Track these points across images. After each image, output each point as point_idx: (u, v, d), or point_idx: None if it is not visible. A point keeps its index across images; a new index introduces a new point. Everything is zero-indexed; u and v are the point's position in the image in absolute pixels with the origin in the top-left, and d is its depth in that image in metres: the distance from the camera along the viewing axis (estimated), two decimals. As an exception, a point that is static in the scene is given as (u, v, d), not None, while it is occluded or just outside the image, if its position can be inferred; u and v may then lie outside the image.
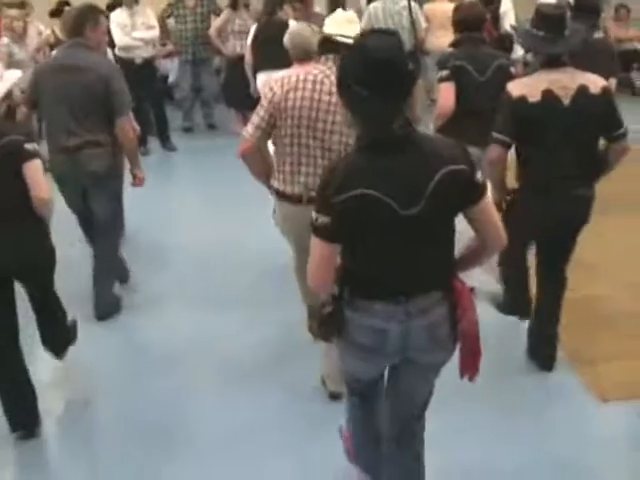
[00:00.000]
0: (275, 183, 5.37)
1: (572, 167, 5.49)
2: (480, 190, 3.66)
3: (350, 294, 3.75)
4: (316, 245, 3.64)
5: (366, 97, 3.41)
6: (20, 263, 5.16)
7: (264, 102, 5.21)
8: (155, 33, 12.06)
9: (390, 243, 3.60)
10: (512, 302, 6.27)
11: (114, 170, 6.74)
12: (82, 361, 6.11)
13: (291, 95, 5.13)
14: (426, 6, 12.44)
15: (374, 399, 4.29)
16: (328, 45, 5.23)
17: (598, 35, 8.16)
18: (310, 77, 5.18)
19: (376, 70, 3.39)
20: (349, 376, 4.23)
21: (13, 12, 10.55)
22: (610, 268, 7.45)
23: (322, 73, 5.19)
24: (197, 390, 5.85)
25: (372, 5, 11.66)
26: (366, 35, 3.62)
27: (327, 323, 3.84)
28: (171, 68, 14.52)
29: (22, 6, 11.25)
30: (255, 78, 11.09)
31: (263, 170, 5.44)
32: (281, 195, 5.34)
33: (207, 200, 10.25)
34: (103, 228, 6.85)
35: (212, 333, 6.61)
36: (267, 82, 5.50)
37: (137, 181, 7.01)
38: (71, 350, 5.92)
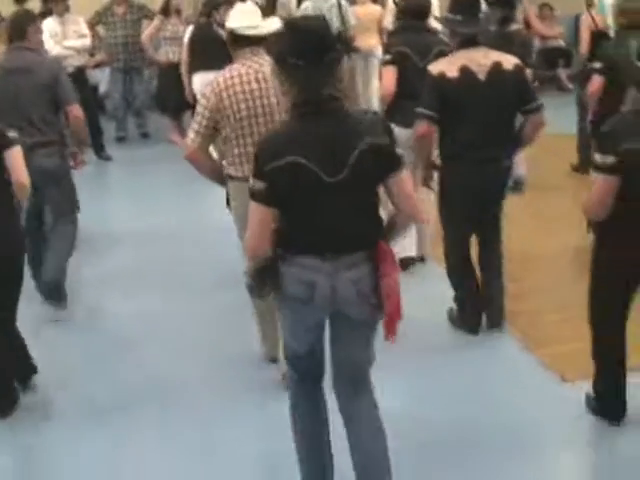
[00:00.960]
0: (227, 169, 5.65)
1: (489, 137, 6.00)
2: (398, 162, 4.05)
3: (283, 251, 4.05)
4: (254, 209, 4.01)
5: (300, 66, 3.85)
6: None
7: (200, 109, 5.52)
8: (86, 41, 11.99)
9: (318, 206, 3.98)
10: (461, 315, 6.51)
11: (65, 165, 7.03)
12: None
13: (224, 94, 5.43)
14: (351, 9, 12.55)
15: (315, 381, 4.41)
16: (240, 39, 5.54)
17: (514, 27, 8.58)
18: (235, 72, 5.47)
19: (307, 42, 3.88)
20: (289, 347, 4.39)
21: None
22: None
23: (244, 66, 5.48)
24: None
25: (303, 5, 12.01)
26: (297, 18, 4.66)
27: (262, 277, 4.11)
28: (101, 78, 14.41)
29: None
30: (190, 80, 11.03)
31: (210, 169, 5.78)
32: (232, 178, 5.62)
33: (144, 203, 10.32)
34: (62, 220, 7.03)
35: (157, 315, 6.98)
36: (203, 83, 5.70)
37: (76, 163, 7.24)
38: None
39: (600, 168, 4.77)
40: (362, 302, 4.09)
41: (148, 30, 12.70)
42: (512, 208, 6.80)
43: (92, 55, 13.47)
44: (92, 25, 12.87)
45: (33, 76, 6.66)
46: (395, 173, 4.04)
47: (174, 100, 12.37)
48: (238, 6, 5.82)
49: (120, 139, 13.35)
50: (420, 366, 5.98)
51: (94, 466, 5.11)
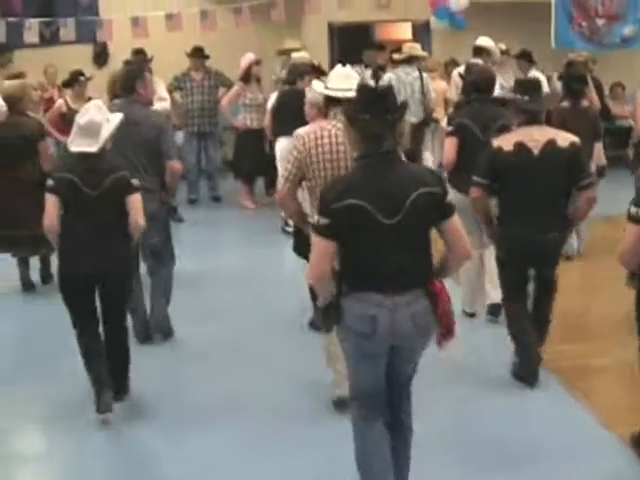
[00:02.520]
0: (310, 219, 5.93)
1: (538, 209, 6.40)
2: (450, 209, 4.54)
3: (346, 287, 4.51)
4: (316, 242, 4.50)
5: (366, 120, 4.40)
6: (109, 270, 6.05)
7: (291, 159, 5.98)
8: (166, 105, 12.20)
9: (377, 246, 4.43)
10: (521, 369, 6.70)
11: (162, 209, 7.44)
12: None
13: (313, 152, 5.85)
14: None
15: (378, 415, 4.70)
16: (332, 101, 5.93)
17: (583, 104, 8.78)
18: (325, 132, 5.86)
19: (374, 101, 4.43)
20: (353, 382, 4.76)
21: (32, 82, 10.69)
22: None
23: (334, 127, 5.85)
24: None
25: (387, 75, 12.25)
26: (368, 82, 5.30)
27: (327, 313, 4.62)
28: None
29: (19, 77, 11.40)
30: (273, 143, 11.25)
31: (295, 212, 6.27)
32: (313, 227, 5.81)
33: (216, 257, 10.68)
34: (159, 259, 7.55)
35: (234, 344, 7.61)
36: (285, 149, 5.97)
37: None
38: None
39: (634, 219, 5.04)
40: (417, 334, 4.54)
41: (228, 96, 12.96)
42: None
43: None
44: (170, 91, 13.14)
45: (140, 128, 7.04)
46: (447, 218, 4.52)
47: (249, 165, 12.61)
48: (337, 68, 6.15)
49: (192, 201, 13.55)
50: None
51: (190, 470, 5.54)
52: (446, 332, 4.62)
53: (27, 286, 9.44)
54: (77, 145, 5.95)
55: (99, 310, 6.25)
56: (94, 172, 5.97)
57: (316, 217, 4.55)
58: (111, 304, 6.23)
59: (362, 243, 4.46)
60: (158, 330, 7.71)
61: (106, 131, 5.97)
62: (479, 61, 11.05)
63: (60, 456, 5.99)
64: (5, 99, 9.23)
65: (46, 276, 9.57)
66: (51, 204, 6.04)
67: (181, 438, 5.94)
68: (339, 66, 6.20)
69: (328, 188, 4.64)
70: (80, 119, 5.95)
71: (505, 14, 14.85)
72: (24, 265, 9.47)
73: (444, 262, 4.69)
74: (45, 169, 8.97)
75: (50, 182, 6.07)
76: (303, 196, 6.33)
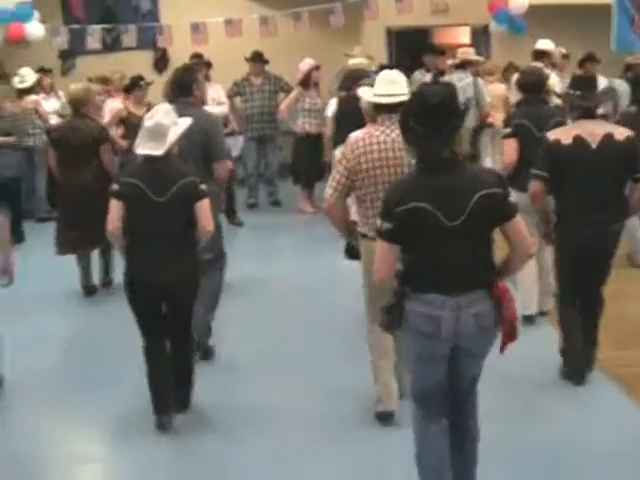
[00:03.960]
0: (360, 228, 6.02)
1: (597, 201, 6.43)
2: (512, 209, 4.55)
3: (410, 289, 4.53)
4: (380, 246, 4.55)
5: (420, 132, 4.41)
6: (177, 278, 5.97)
7: (340, 167, 5.94)
8: (224, 109, 12.29)
9: (440, 247, 4.45)
10: (565, 367, 6.78)
11: (217, 215, 7.10)
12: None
13: (362, 159, 5.80)
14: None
15: (439, 416, 4.73)
16: (379, 107, 5.93)
17: None
18: (374, 139, 5.83)
19: (427, 111, 4.40)
20: (415, 383, 4.75)
21: (95, 87, 10.80)
22: None
23: (382, 133, 5.83)
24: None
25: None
26: (426, 85, 5.15)
27: (390, 314, 4.60)
28: (233, 144, 14.70)
29: (105, 82, 11.57)
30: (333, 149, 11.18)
31: (342, 223, 6.18)
32: (364, 237, 5.95)
33: (272, 262, 10.66)
34: (211, 269, 7.20)
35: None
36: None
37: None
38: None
39: None
40: (480, 336, 4.56)
41: (287, 101, 13.01)
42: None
43: (225, 125, 13.79)
44: (230, 96, 13.24)
45: (196, 131, 6.72)
46: (510, 219, 4.53)
47: (307, 170, 12.67)
48: (383, 74, 6.11)
49: (251, 206, 13.60)
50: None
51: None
52: (509, 335, 4.62)
53: (89, 289, 9.52)
54: (143, 148, 5.87)
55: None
56: (161, 178, 5.88)
57: (379, 221, 4.56)
58: (177, 315, 6.18)
59: (425, 245, 4.49)
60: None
61: (173, 135, 5.88)
62: (539, 64, 10.93)
63: (120, 463, 5.99)
64: (70, 102, 9.38)
65: (107, 281, 9.66)
66: (115, 209, 5.94)
67: (230, 449, 5.92)
68: (385, 71, 6.20)
69: (390, 191, 4.63)
70: (147, 122, 5.86)
71: (564, 18, 14.77)
72: (86, 269, 9.53)
73: (507, 263, 4.70)
74: (108, 171, 9.15)
75: (115, 187, 5.99)
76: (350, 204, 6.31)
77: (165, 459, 5.96)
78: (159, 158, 5.85)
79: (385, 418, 6.06)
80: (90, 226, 8.95)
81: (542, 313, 7.94)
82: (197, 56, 12.90)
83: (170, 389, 6.16)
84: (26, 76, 13.21)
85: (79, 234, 9.19)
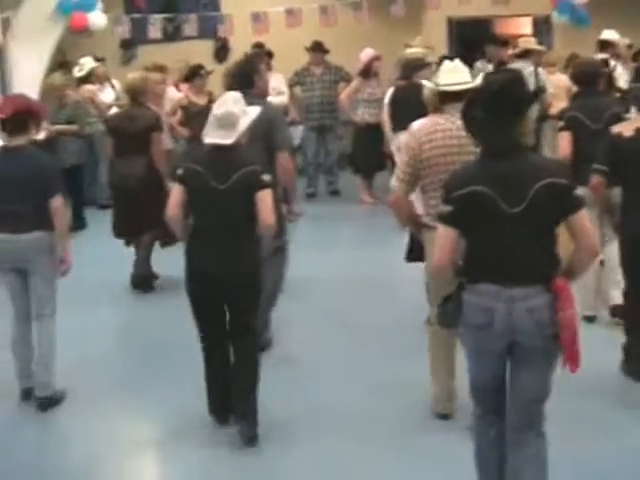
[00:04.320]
0: (424, 219, 5.91)
1: None
2: (578, 202, 4.37)
3: (466, 279, 4.44)
4: (440, 231, 4.48)
5: (483, 119, 4.32)
6: (238, 270, 5.77)
7: (405, 158, 5.89)
8: (284, 99, 12.31)
9: (498, 235, 4.34)
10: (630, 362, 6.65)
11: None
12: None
13: (426, 147, 5.75)
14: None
15: (496, 415, 4.58)
16: (445, 95, 5.88)
17: None
18: (439, 127, 5.79)
19: (490, 98, 4.32)
20: (472, 380, 4.61)
21: (156, 76, 10.86)
22: None
23: (447, 121, 5.78)
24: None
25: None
26: (492, 75, 4.91)
27: (446, 308, 4.54)
28: (293, 134, 14.72)
29: (162, 70, 11.63)
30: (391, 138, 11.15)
31: (408, 216, 6.05)
32: (428, 227, 5.80)
33: (330, 254, 10.55)
34: (274, 254, 7.19)
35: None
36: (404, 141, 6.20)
37: (292, 217, 7.47)
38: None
39: None
40: (538, 332, 4.33)
41: (347, 90, 13.04)
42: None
43: (285, 114, 13.80)
44: (290, 86, 13.27)
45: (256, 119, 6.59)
46: (575, 212, 4.34)
47: (367, 160, 12.64)
48: (446, 64, 6.05)
49: (310, 195, 13.63)
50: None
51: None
52: (568, 342, 4.33)
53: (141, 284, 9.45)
54: (212, 137, 5.76)
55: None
56: (224, 165, 5.74)
57: (440, 206, 4.52)
58: (237, 312, 5.95)
59: (484, 232, 4.39)
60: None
61: (243, 124, 5.78)
62: (604, 56, 10.80)
63: (173, 457, 5.92)
64: (127, 91, 9.44)
65: (142, 277, 9.56)
66: (176, 193, 5.88)
67: (287, 446, 5.83)
68: (447, 62, 6.12)
69: (451, 176, 4.58)
70: (217, 110, 5.76)
71: (628, 8, 14.58)
72: (143, 260, 9.53)
73: (572, 262, 4.48)
74: (156, 161, 9.20)
75: (178, 171, 5.91)
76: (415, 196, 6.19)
77: (220, 454, 5.82)
78: (227, 147, 5.73)
79: (444, 417, 5.99)
80: (139, 217, 9.09)
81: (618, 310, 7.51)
82: (258, 45, 12.96)
83: (228, 391, 5.99)
84: (84, 65, 13.38)
85: (130, 221, 9.22)
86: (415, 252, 7.12)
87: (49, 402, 6.53)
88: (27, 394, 6.63)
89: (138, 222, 9.14)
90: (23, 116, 6.49)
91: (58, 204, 6.47)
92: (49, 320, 6.57)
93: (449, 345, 5.86)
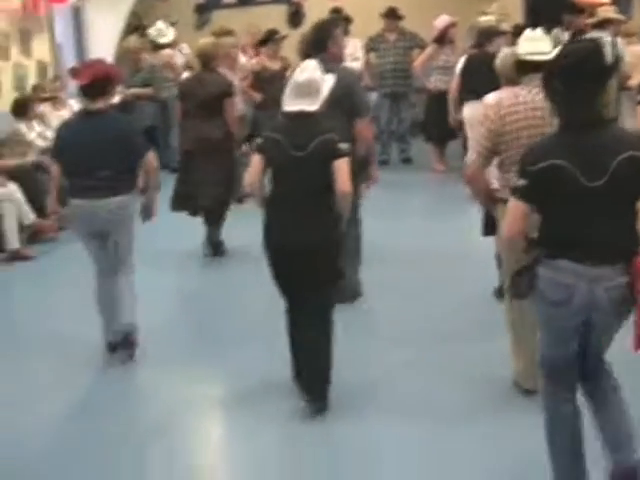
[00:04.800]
0: (501, 193, 5.67)
1: None
2: None
3: (543, 254, 4.31)
4: (513, 203, 4.36)
5: (563, 90, 4.23)
6: (316, 239, 5.71)
7: (483, 131, 5.67)
8: (359, 65, 12.27)
9: (577, 211, 4.21)
10: None
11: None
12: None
13: (507, 120, 5.55)
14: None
15: (570, 390, 4.50)
16: (525, 65, 5.68)
17: None
18: (520, 99, 5.59)
19: (570, 68, 4.21)
20: (545, 356, 4.52)
21: (230, 40, 10.88)
22: None
23: (529, 93, 5.58)
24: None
25: None
26: (571, 43, 4.93)
27: (520, 280, 4.43)
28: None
29: (232, 34, 11.64)
30: (458, 109, 11.08)
31: (484, 191, 5.89)
32: (502, 201, 5.55)
33: (400, 223, 10.45)
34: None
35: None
36: (472, 113, 5.77)
37: (371, 181, 7.51)
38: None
39: None
40: (615, 310, 4.26)
41: (421, 57, 12.93)
42: None
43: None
44: (365, 52, 13.21)
45: (334, 86, 6.45)
46: None
47: (440, 128, 12.55)
48: (527, 33, 5.85)
49: (383, 162, 13.49)
50: None
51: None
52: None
53: (216, 250, 9.52)
54: (292, 104, 5.73)
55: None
56: (303, 133, 5.67)
57: (514, 179, 4.41)
58: (316, 278, 5.85)
59: (562, 208, 4.25)
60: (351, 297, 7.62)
61: (325, 90, 5.75)
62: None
63: (243, 421, 5.87)
64: (198, 56, 9.46)
65: (216, 244, 9.61)
66: (255, 162, 5.86)
67: (360, 419, 5.75)
68: (528, 30, 5.91)
69: (529, 149, 4.45)
70: (298, 77, 5.73)
71: None
72: (213, 228, 9.56)
73: None
74: (230, 127, 9.23)
75: (258, 141, 5.93)
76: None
77: (295, 421, 5.77)
78: (307, 114, 5.70)
79: (528, 394, 5.78)
80: (206, 185, 9.12)
81: None
82: (336, 11, 12.92)
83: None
84: (164, 30, 13.42)
85: (194, 191, 9.26)
86: (491, 226, 7.06)
87: (122, 343, 6.76)
88: (112, 348, 6.81)
89: (206, 195, 9.19)
90: (102, 81, 6.58)
91: (152, 160, 6.69)
92: (129, 272, 6.78)
93: (530, 319, 5.47)
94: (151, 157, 6.67)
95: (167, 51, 13.32)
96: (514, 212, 4.37)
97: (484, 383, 6.11)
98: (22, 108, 11.11)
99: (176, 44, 13.86)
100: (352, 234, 7.45)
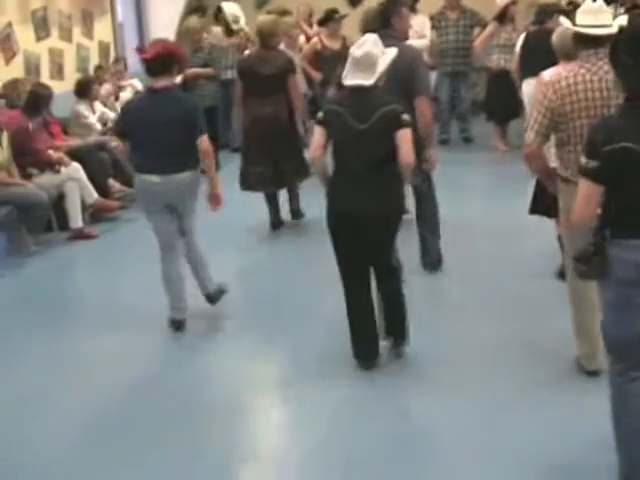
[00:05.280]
0: (562, 172, 5.64)
1: None
2: None
3: (612, 233, 4.27)
4: (584, 185, 4.30)
5: (631, 65, 4.12)
6: (379, 209, 5.86)
7: (542, 109, 5.50)
8: (425, 42, 12.21)
9: None
10: None
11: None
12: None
13: (567, 100, 5.38)
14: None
15: (636, 372, 4.41)
16: (585, 39, 5.46)
17: None
18: (579, 78, 5.38)
19: (637, 43, 4.14)
20: (611, 335, 4.45)
21: (290, 20, 10.90)
22: None
23: (589, 71, 5.37)
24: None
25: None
26: (637, 15, 4.69)
27: (591, 259, 4.35)
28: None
29: (284, 14, 11.64)
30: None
31: (543, 169, 5.84)
32: (566, 181, 5.57)
33: (459, 199, 10.41)
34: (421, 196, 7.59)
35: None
36: (531, 90, 5.73)
37: (429, 164, 7.47)
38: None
39: None
40: None
41: (482, 36, 12.82)
42: None
43: (423, 58, 13.69)
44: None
45: (396, 62, 6.40)
46: None
47: (502, 107, 12.46)
48: (586, 4, 5.62)
49: (443, 142, 13.43)
50: None
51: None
52: None
53: (276, 224, 9.68)
54: (351, 78, 5.78)
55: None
56: (365, 106, 5.76)
57: (583, 159, 4.30)
58: (377, 248, 6.06)
59: (633, 189, 4.20)
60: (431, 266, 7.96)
61: (382, 65, 5.78)
62: None
63: (312, 396, 5.90)
64: (258, 34, 9.47)
65: (296, 211, 9.85)
66: (318, 135, 5.95)
67: (430, 396, 5.77)
68: (588, 1, 5.66)
69: (596, 130, 4.34)
70: (356, 52, 5.76)
71: None
72: (273, 203, 9.69)
73: None
74: (295, 104, 9.27)
75: (319, 114, 5.99)
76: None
77: (358, 398, 5.83)
78: (367, 88, 5.75)
79: (591, 375, 5.76)
80: (275, 163, 9.20)
81: None
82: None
83: (373, 333, 6.12)
84: (239, 17, 13.43)
85: (264, 170, 9.34)
86: (539, 205, 7.06)
87: (218, 293, 7.20)
88: (177, 325, 6.96)
89: (276, 172, 9.31)
90: (166, 58, 6.66)
91: (206, 143, 6.72)
92: (194, 234, 7.00)
93: (593, 297, 5.48)
94: (204, 140, 6.70)
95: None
96: (586, 195, 4.32)
97: (547, 362, 6.09)
98: (84, 89, 11.22)
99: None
100: (429, 209, 7.74)
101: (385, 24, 7.17)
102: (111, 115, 11.34)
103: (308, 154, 6.17)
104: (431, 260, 7.94)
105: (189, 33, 12.41)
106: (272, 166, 9.27)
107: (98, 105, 11.43)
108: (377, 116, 5.72)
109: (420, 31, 12.08)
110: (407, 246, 6.77)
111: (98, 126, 11.14)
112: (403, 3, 7.68)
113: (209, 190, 6.91)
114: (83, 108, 11.12)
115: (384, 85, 5.97)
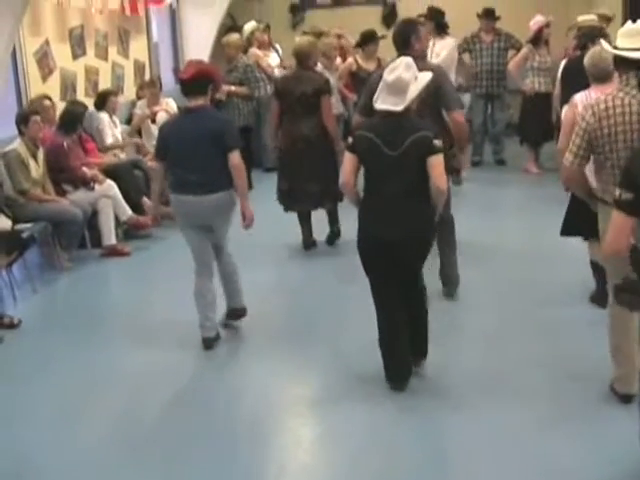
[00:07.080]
0: (601, 195, 5.53)
1: None
2: None
3: None
4: (617, 216, 4.24)
5: None
6: (411, 234, 5.84)
7: (580, 131, 5.42)
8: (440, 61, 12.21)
9: None
10: None
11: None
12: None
13: (604, 123, 5.27)
14: None
15: None
16: (625, 62, 5.30)
17: None
18: (618, 101, 5.27)
19: None
20: None
21: (328, 40, 10.93)
22: None
23: (628, 95, 5.26)
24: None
25: None
26: None
27: (633, 290, 4.30)
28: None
29: (319, 36, 11.69)
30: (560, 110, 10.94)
31: (584, 191, 5.76)
32: (605, 203, 5.46)
33: (490, 221, 10.45)
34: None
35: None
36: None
37: (458, 180, 7.64)
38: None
39: None
40: None
41: (517, 58, 12.80)
42: None
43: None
44: (459, 52, 13.12)
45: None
46: None
47: (535, 130, 12.43)
48: (626, 27, 5.48)
49: (475, 164, 13.48)
50: None
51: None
52: None
53: (308, 244, 9.69)
54: (382, 103, 5.76)
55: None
56: (396, 132, 5.73)
57: (617, 191, 4.25)
58: (407, 271, 6.07)
59: None
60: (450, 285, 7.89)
61: (414, 90, 5.74)
62: None
63: (339, 416, 5.90)
64: (295, 54, 9.50)
65: (333, 236, 9.82)
66: (348, 161, 5.94)
67: (455, 416, 5.75)
68: (628, 23, 5.54)
69: (633, 159, 4.29)
70: (388, 76, 5.75)
71: None
72: (306, 223, 9.71)
73: None
74: (327, 125, 9.27)
75: (350, 140, 5.98)
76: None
77: (387, 417, 5.81)
78: (398, 113, 5.72)
79: (624, 400, 5.69)
80: (311, 183, 9.22)
81: None
82: (431, 10, 12.77)
83: (405, 355, 6.11)
84: (246, 30, 13.60)
85: (300, 190, 9.39)
86: (571, 227, 7.02)
87: (242, 311, 7.32)
88: (208, 344, 6.98)
89: (312, 193, 9.35)
90: (201, 80, 6.74)
91: (237, 159, 6.75)
92: (227, 249, 7.14)
93: (631, 324, 5.44)
94: (235, 156, 6.74)
95: (254, 50, 13.44)
96: (618, 226, 4.28)
97: (581, 383, 6.05)
98: (102, 101, 11.29)
99: (266, 44, 13.92)
100: (447, 229, 7.60)
101: (404, 46, 7.18)
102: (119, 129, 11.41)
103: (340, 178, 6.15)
104: (452, 282, 7.89)
105: (230, 47, 12.48)
106: (304, 186, 9.28)
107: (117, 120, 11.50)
108: (408, 143, 5.69)
109: (439, 52, 12.11)
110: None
111: (110, 139, 11.14)
112: (420, 23, 7.76)
113: (241, 208, 6.94)
114: (102, 120, 11.13)
115: (418, 106, 5.96)
